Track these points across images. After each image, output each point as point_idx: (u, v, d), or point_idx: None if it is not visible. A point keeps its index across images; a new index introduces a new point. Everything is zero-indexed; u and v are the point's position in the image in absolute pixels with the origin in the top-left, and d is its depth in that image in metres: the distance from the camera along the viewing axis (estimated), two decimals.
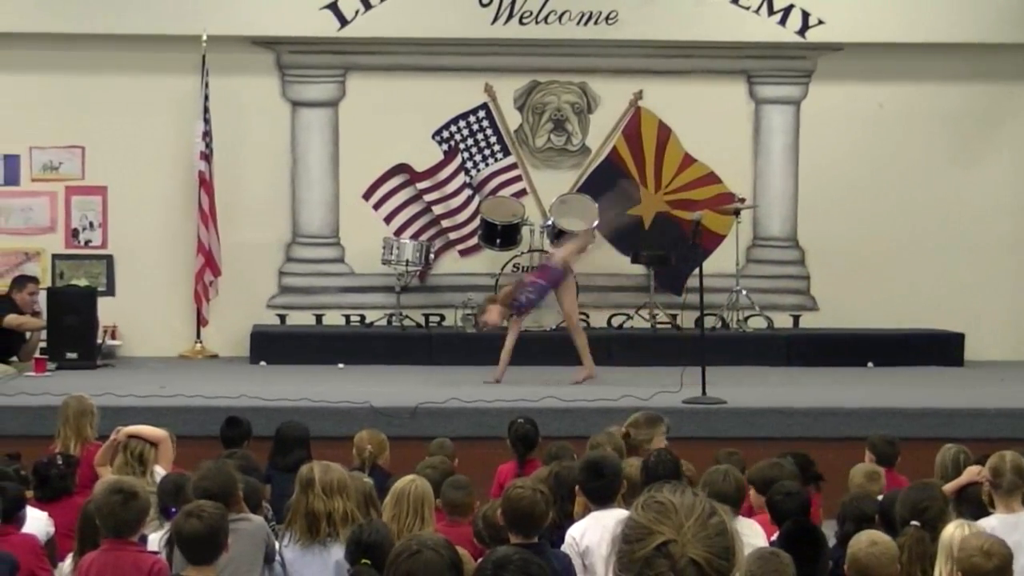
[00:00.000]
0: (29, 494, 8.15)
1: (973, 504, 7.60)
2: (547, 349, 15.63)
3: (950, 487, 7.88)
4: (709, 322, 15.41)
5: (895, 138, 17.41)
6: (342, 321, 17.18)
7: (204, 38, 16.39)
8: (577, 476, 7.62)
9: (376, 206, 17.15)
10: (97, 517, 6.63)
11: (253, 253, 16.95)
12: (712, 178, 17.28)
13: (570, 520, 7.50)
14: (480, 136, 17.33)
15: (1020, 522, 7.33)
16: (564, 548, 7.10)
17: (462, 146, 17.30)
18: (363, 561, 6.28)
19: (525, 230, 16.39)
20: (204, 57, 16.42)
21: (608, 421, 10.42)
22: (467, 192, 17.27)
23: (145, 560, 6.58)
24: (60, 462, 8.68)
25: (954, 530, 6.14)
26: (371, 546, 6.30)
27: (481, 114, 17.33)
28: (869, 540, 6.36)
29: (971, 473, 8.03)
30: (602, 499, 7.38)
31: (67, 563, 7.16)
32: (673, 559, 3.03)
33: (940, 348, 16.48)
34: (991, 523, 7.06)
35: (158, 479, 8.08)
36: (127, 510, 6.57)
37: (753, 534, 7.05)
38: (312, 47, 17.17)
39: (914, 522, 6.69)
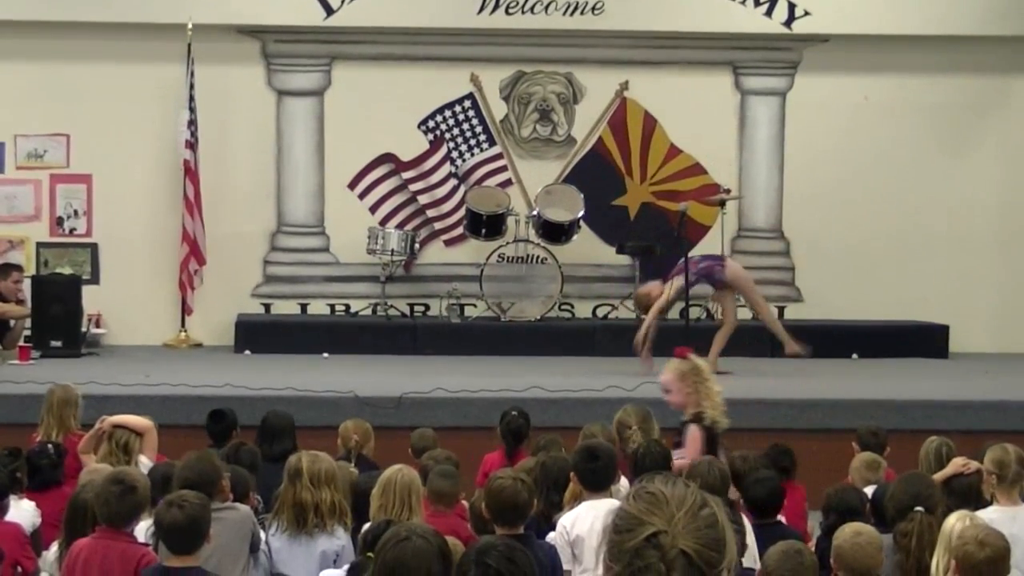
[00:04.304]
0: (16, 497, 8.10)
1: (959, 496, 7.58)
2: (534, 340, 15.71)
3: (935, 479, 7.88)
4: (694, 313, 15.41)
5: (880, 130, 17.41)
6: (327, 310, 17.15)
7: (190, 26, 16.33)
8: (572, 460, 7.63)
9: (361, 195, 17.13)
10: (95, 504, 6.63)
11: (238, 242, 16.92)
12: (697, 169, 17.29)
13: (559, 511, 7.50)
14: (466, 126, 17.30)
15: (1019, 514, 7.31)
16: (555, 536, 7.09)
17: (448, 136, 17.27)
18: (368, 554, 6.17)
19: (510, 220, 16.37)
20: (190, 46, 16.37)
21: (593, 411, 10.41)
22: (452, 182, 17.24)
23: (136, 551, 6.58)
24: (52, 451, 8.64)
25: (955, 521, 6.11)
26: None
27: (467, 104, 17.30)
28: (853, 531, 6.37)
29: (956, 465, 8.02)
30: (596, 485, 7.36)
31: (52, 551, 7.14)
32: (663, 550, 3.02)
33: (925, 340, 16.52)
34: (990, 515, 7.02)
35: (143, 469, 8.06)
36: (123, 502, 6.58)
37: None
38: (298, 36, 17.12)
39: (918, 508, 6.67)
